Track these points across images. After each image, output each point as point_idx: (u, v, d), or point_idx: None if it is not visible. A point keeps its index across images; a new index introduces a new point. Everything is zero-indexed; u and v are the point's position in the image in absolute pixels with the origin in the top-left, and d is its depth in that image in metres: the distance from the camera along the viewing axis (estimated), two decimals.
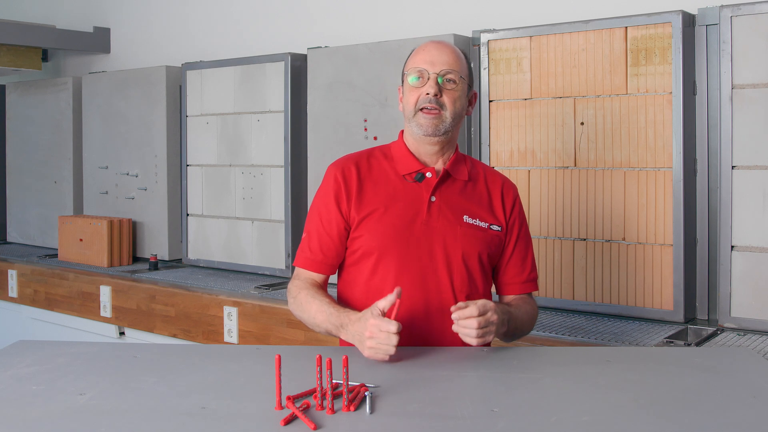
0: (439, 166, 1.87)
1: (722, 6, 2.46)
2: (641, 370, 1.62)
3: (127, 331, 3.66)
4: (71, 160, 4.42)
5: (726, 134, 2.46)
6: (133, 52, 4.66)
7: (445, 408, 1.38)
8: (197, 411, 1.37)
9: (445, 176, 1.86)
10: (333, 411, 1.36)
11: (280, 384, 1.38)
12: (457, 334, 1.78)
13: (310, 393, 1.44)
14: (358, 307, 1.79)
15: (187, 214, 3.86)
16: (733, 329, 2.46)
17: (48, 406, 1.40)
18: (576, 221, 2.74)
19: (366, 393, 1.40)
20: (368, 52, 3.15)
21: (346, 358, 1.40)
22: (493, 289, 1.96)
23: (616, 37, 2.62)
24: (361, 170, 1.88)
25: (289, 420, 1.32)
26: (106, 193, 4.20)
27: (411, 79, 1.83)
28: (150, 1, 4.58)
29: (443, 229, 1.82)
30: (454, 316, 1.66)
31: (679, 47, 2.51)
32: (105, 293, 3.64)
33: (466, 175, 1.88)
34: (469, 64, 1.88)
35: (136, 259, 4.10)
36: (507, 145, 2.87)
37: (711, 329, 2.47)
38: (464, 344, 1.80)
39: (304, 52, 3.45)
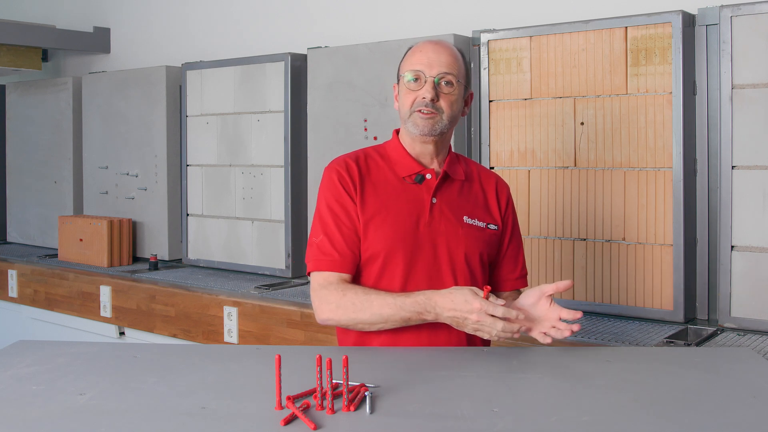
0: (436, 166, 1.87)
1: (722, 6, 2.46)
2: (641, 370, 1.62)
3: (127, 331, 3.66)
4: (71, 160, 4.42)
5: (726, 134, 2.46)
6: (133, 52, 4.66)
7: (445, 408, 1.38)
8: (197, 411, 1.37)
9: (445, 177, 1.86)
10: (333, 411, 1.36)
11: (280, 384, 1.38)
12: (460, 334, 1.78)
13: (310, 393, 1.44)
14: None
15: (187, 214, 3.86)
16: (733, 329, 2.46)
17: (48, 406, 1.40)
18: (576, 221, 2.74)
19: (366, 393, 1.40)
20: (368, 52, 3.15)
21: (346, 358, 1.40)
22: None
23: (616, 37, 2.62)
24: (361, 170, 1.86)
25: (289, 420, 1.32)
26: (106, 193, 4.20)
27: (407, 80, 1.82)
28: (150, 1, 4.58)
29: (446, 230, 1.82)
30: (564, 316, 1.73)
31: (679, 47, 2.51)
32: (105, 293, 3.64)
33: (462, 175, 1.89)
34: (466, 64, 1.87)
35: (136, 259, 4.10)
36: (507, 145, 2.87)
37: (711, 329, 2.47)
38: (463, 344, 1.81)
39: (304, 52, 3.45)
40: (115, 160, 4.16)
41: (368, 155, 1.90)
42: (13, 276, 4.14)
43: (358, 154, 1.91)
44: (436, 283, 1.79)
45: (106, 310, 3.64)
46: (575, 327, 1.72)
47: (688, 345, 2.32)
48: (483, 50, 2.90)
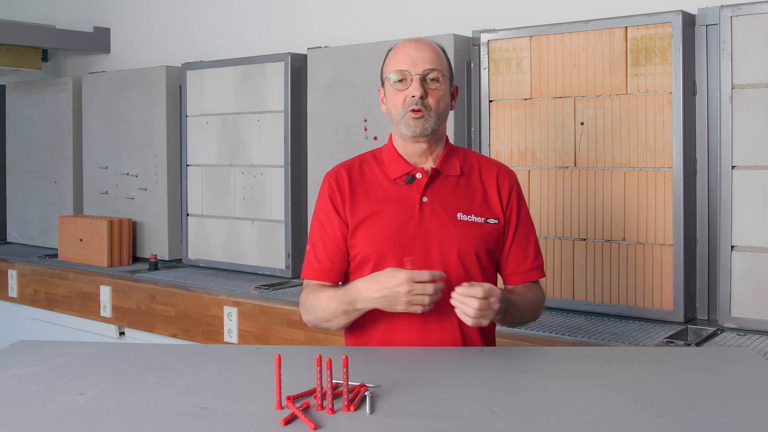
0: (430, 164, 1.86)
1: (722, 6, 2.46)
2: (641, 370, 1.62)
3: (127, 331, 3.66)
4: (71, 160, 4.42)
5: (726, 134, 2.46)
6: (133, 52, 4.66)
7: (445, 408, 1.38)
8: (197, 411, 1.37)
9: (435, 174, 1.84)
10: (333, 411, 1.36)
11: (280, 384, 1.38)
12: (453, 329, 1.78)
13: (310, 393, 1.44)
14: (363, 315, 1.77)
15: (187, 214, 3.86)
16: (733, 329, 2.46)
17: (48, 406, 1.41)
18: (576, 221, 2.74)
19: (366, 393, 1.40)
20: (368, 52, 3.15)
21: (346, 358, 1.40)
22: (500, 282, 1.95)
23: (616, 37, 2.62)
24: (353, 177, 1.87)
25: (289, 420, 1.32)
26: (106, 193, 4.20)
27: (393, 81, 1.81)
28: (150, 1, 4.58)
29: (437, 229, 1.80)
30: (458, 289, 1.64)
31: (679, 47, 2.51)
32: (105, 293, 3.64)
33: (458, 170, 1.86)
34: (448, 58, 1.87)
35: (136, 259, 4.10)
36: (507, 145, 2.87)
37: (711, 329, 2.47)
38: (464, 344, 1.80)
39: (304, 52, 3.45)
40: (115, 160, 4.16)
41: (364, 161, 1.91)
42: (13, 276, 4.15)
43: (353, 161, 1.92)
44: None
45: (106, 310, 3.64)
46: (462, 298, 1.65)
47: (688, 345, 2.32)
48: (483, 50, 2.90)
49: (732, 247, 2.46)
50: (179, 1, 4.43)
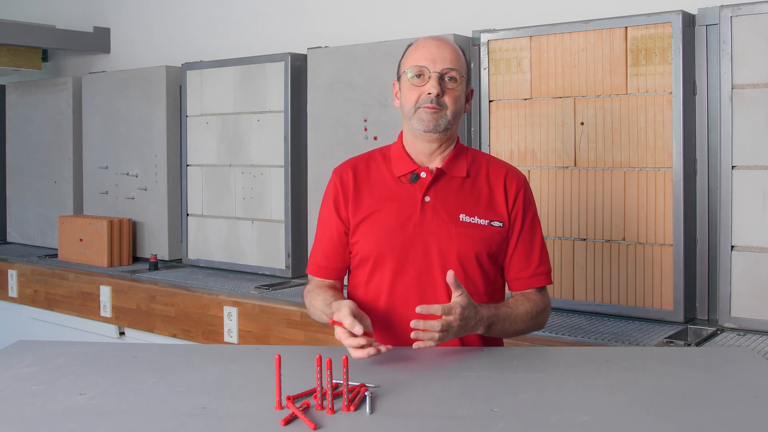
0: (437, 163, 1.84)
1: (722, 6, 2.46)
2: (641, 370, 1.62)
3: (127, 331, 3.66)
4: (71, 160, 4.42)
5: (726, 134, 2.46)
6: (133, 52, 4.66)
7: (445, 408, 1.38)
8: (197, 411, 1.37)
9: (440, 175, 1.83)
10: (333, 411, 1.36)
11: (280, 384, 1.38)
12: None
13: (310, 393, 1.44)
14: (364, 309, 1.76)
15: (187, 214, 3.86)
16: (733, 329, 2.46)
17: (48, 406, 1.41)
18: (576, 221, 2.74)
19: (366, 393, 1.40)
20: (368, 52, 3.15)
21: (346, 358, 1.40)
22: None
23: (616, 37, 2.62)
24: (358, 174, 1.87)
25: (289, 420, 1.32)
26: (106, 193, 4.20)
27: (410, 76, 1.80)
28: (150, 1, 4.58)
29: (438, 229, 1.79)
30: (417, 309, 1.60)
31: (679, 47, 2.51)
32: (105, 293, 3.64)
33: (464, 172, 1.84)
34: (467, 60, 1.86)
35: (136, 259, 4.10)
36: (507, 145, 2.87)
37: (711, 329, 2.47)
38: (463, 344, 1.80)
39: (304, 52, 3.45)
40: (115, 160, 4.16)
41: (371, 157, 1.91)
42: (13, 276, 4.14)
43: (361, 158, 1.92)
44: (426, 284, 1.78)
45: (106, 310, 3.64)
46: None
47: (688, 345, 2.32)
48: (483, 50, 2.90)
49: (732, 247, 2.46)
50: (179, 1, 4.43)
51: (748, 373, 1.60)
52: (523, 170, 2.83)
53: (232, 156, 3.65)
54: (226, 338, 3.16)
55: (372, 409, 1.37)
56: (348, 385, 1.40)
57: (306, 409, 1.37)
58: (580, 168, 2.72)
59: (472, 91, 1.90)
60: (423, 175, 1.83)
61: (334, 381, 1.42)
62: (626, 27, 2.60)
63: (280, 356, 1.40)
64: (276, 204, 3.50)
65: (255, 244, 3.59)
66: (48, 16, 4.98)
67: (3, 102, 4.88)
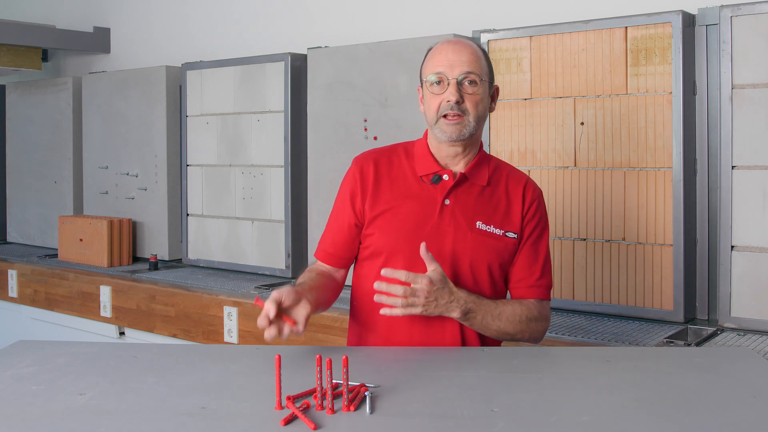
0: (460, 167, 1.83)
1: (722, 6, 2.46)
2: (641, 370, 1.62)
3: (127, 331, 3.66)
4: (71, 160, 4.42)
5: (726, 134, 2.46)
6: (133, 52, 4.66)
7: (445, 408, 1.38)
8: (197, 411, 1.37)
9: (462, 180, 1.82)
10: (333, 411, 1.36)
11: (280, 384, 1.38)
12: (454, 333, 1.78)
13: (310, 393, 1.44)
14: (368, 301, 1.77)
15: (187, 214, 3.86)
16: (733, 329, 2.46)
17: (48, 406, 1.40)
18: (576, 221, 2.74)
19: (366, 393, 1.40)
20: (368, 52, 3.15)
21: (346, 358, 1.40)
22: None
23: (616, 37, 2.62)
24: (380, 168, 1.86)
25: (289, 420, 1.32)
26: (106, 193, 4.20)
27: (430, 83, 1.78)
28: (150, 1, 4.58)
29: (454, 233, 1.78)
30: (383, 271, 1.65)
31: (679, 47, 2.51)
32: (105, 293, 3.64)
33: (485, 180, 1.83)
34: (488, 59, 1.84)
35: (136, 259, 4.10)
36: (507, 145, 2.87)
37: (711, 329, 2.47)
38: (457, 343, 1.80)
39: (304, 52, 3.45)
40: (115, 160, 4.16)
41: (394, 151, 1.90)
42: (13, 276, 4.14)
43: (383, 151, 1.91)
44: None
45: (106, 310, 3.64)
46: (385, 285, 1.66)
47: (688, 345, 2.32)
48: None
49: (732, 247, 2.46)
50: (179, 1, 4.43)
51: (748, 373, 1.60)
52: (523, 170, 2.82)
53: (232, 156, 3.65)
54: (226, 338, 3.16)
55: (372, 409, 1.37)
56: (348, 385, 1.40)
57: (306, 409, 1.37)
58: (580, 168, 2.72)
59: (497, 89, 1.87)
60: (445, 177, 1.82)
61: (334, 381, 1.42)
62: (626, 27, 2.60)
63: (280, 356, 1.40)
64: (276, 204, 3.50)
65: (255, 244, 3.59)
66: (48, 16, 4.98)
67: (3, 102, 4.88)
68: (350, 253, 1.90)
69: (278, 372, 1.38)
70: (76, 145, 4.41)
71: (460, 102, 1.75)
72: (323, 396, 1.38)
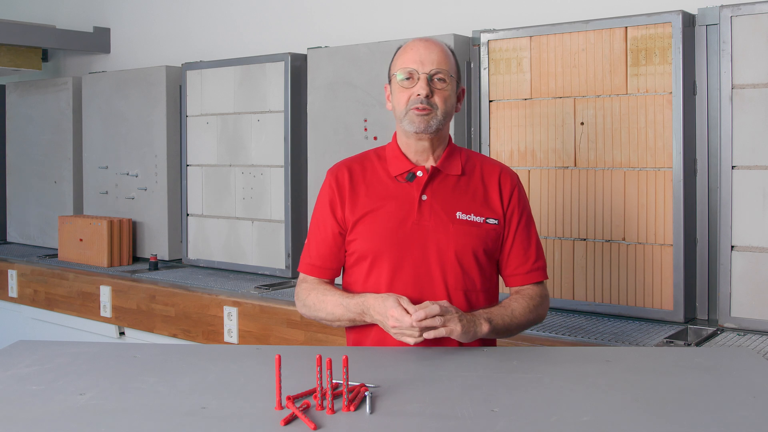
0: (431, 163, 1.87)
1: (722, 6, 2.46)
2: (641, 370, 1.62)
3: (127, 331, 3.66)
4: (71, 160, 4.42)
5: (726, 134, 2.46)
6: (133, 52, 4.66)
7: (445, 408, 1.38)
8: (197, 411, 1.37)
9: (436, 173, 1.85)
10: (333, 411, 1.36)
11: (280, 384, 1.38)
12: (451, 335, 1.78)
13: (310, 393, 1.44)
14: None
15: (187, 214, 3.86)
16: (733, 329, 2.46)
17: (48, 406, 1.40)
18: (576, 221, 2.74)
19: (366, 393, 1.40)
20: (368, 52, 3.15)
21: (346, 358, 1.40)
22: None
23: (616, 37, 2.62)
24: (354, 174, 1.89)
25: (289, 420, 1.32)
26: (106, 193, 4.20)
27: (400, 79, 1.83)
28: (150, 1, 4.58)
29: (435, 227, 1.81)
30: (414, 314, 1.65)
31: (679, 47, 2.51)
32: (105, 293, 3.64)
33: (459, 170, 1.87)
34: (456, 60, 1.88)
35: (136, 259, 4.10)
36: (507, 145, 2.87)
37: (711, 329, 2.47)
38: (462, 344, 1.80)
39: (304, 52, 3.45)
40: (115, 160, 4.16)
41: (366, 157, 1.93)
42: (13, 276, 4.15)
43: (355, 159, 1.94)
44: (425, 282, 1.80)
45: (106, 310, 3.64)
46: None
47: (688, 345, 2.32)
48: (483, 50, 2.90)
49: (732, 247, 2.46)
50: (179, 1, 4.43)
51: (748, 373, 1.60)
52: (523, 170, 2.83)
53: (232, 156, 3.65)
54: (226, 338, 3.16)
55: (372, 409, 1.37)
56: (348, 385, 1.40)
57: (306, 409, 1.37)
58: (580, 168, 2.72)
59: (463, 90, 1.92)
60: (419, 174, 1.85)
61: (334, 381, 1.42)
62: (626, 27, 2.60)
63: (280, 356, 1.40)
64: (276, 204, 3.50)
65: (255, 244, 3.59)
66: (48, 16, 4.98)
67: (3, 102, 4.88)
68: (337, 264, 1.92)
69: (278, 372, 1.38)
70: (76, 145, 4.41)
71: (429, 96, 1.79)
72: (323, 396, 1.38)
